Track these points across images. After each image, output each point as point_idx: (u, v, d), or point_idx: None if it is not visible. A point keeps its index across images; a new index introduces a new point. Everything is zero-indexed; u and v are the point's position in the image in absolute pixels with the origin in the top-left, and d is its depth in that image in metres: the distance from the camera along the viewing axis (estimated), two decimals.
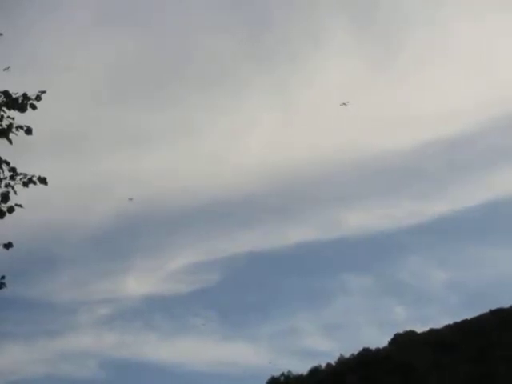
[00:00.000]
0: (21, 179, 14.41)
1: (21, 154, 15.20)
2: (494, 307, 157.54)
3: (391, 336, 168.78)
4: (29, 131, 14.47)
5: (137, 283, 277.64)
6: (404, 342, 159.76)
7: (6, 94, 14.23)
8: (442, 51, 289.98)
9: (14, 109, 14.30)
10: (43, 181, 14.55)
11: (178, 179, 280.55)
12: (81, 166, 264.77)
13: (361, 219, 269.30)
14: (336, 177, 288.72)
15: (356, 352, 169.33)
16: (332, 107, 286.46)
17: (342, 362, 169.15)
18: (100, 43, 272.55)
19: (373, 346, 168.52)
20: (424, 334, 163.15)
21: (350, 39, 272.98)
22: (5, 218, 14.51)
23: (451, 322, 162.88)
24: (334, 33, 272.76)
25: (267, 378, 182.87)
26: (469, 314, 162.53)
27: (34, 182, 14.50)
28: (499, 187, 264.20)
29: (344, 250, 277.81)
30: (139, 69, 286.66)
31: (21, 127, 14.42)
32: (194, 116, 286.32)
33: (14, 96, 14.28)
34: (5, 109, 14.29)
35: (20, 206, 14.54)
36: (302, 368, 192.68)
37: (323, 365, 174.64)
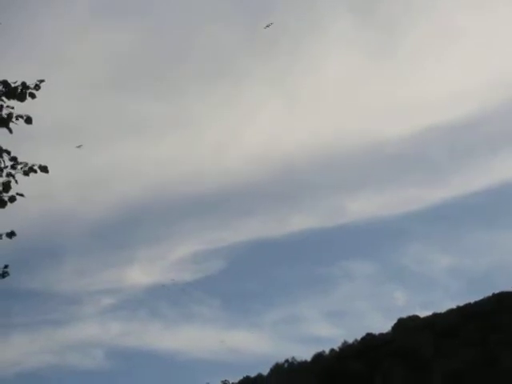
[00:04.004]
0: (22, 168, 14.43)
1: (21, 143, 15.24)
2: (497, 291, 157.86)
3: (394, 321, 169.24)
4: (29, 120, 14.48)
5: (141, 273, 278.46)
6: (407, 326, 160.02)
7: (4, 83, 14.24)
8: (443, 38, 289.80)
9: (13, 98, 14.32)
10: (44, 169, 14.57)
11: (180, 168, 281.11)
12: (83, 156, 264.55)
13: (363, 206, 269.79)
14: (338, 164, 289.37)
15: (359, 337, 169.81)
16: (333, 95, 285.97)
17: (346, 348, 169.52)
18: (100, 34, 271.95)
19: (376, 332, 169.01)
20: (427, 318, 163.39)
21: (351, 27, 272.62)
22: (6, 207, 14.54)
23: (454, 306, 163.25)
24: (335, 22, 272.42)
25: (271, 364, 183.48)
26: (472, 298, 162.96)
27: (35, 171, 14.52)
28: (501, 172, 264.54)
29: (346, 236, 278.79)
30: (140, 59, 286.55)
31: (20, 116, 14.44)
32: (196, 105, 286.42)
33: (12, 85, 14.29)
34: (4, 98, 14.31)
35: (22, 195, 14.56)
36: (305, 354, 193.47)
37: (327, 351, 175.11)
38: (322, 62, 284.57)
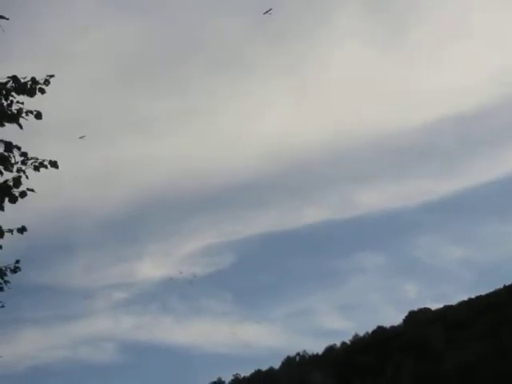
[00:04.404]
0: (32, 163, 14.46)
1: (31, 139, 15.27)
2: (508, 283, 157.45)
3: (406, 314, 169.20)
4: (38, 116, 14.50)
5: (152, 267, 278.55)
6: (419, 319, 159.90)
7: (14, 78, 14.25)
8: (454, 28, 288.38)
9: (22, 94, 14.34)
10: (54, 164, 14.60)
11: (191, 163, 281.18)
12: (93, 152, 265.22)
13: (374, 198, 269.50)
14: (349, 157, 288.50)
15: (371, 330, 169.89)
16: (344, 88, 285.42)
17: (357, 341, 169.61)
18: (106, 29, 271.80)
19: (387, 324, 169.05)
20: (438, 310, 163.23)
21: (361, 21, 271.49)
22: (17, 203, 14.58)
23: (465, 299, 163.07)
24: (344, 15, 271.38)
25: (283, 358, 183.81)
26: (483, 291, 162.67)
27: (46, 166, 14.55)
28: None
29: (358, 229, 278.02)
30: (147, 54, 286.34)
31: (30, 112, 14.45)
32: (207, 99, 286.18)
33: (22, 81, 14.30)
34: (14, 94, 14.32)
35: (32, 190, 14.60)
36: (317, 347, 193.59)
37: (338, 344, 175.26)
38: (332, 55, 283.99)
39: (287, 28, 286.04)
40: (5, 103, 14.27)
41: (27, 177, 14.42)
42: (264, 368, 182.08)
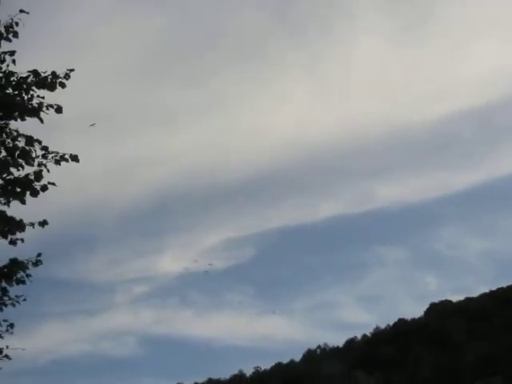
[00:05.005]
0: (53, 157, 14.52)
1: (51, 133, 15.31)
2: None
3: (427, 306, 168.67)
4: (59, 110, 14.53)
5: (172, 261, 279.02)
6: (440, 311, 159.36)
7: (34, 72, 14.29)
8: (471, 19, 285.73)
9: (43, 88, 14.36)
10: (75, 158, 14.64)
11: (210, 156, 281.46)
12: (113, 145, 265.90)
13: (393, 191, 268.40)
14: (367, 150, 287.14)
15: (392, 323, 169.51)
16: (362, 81, 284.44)
17: (378, 333, 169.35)
18: (129, 20, 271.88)
19: (408, 317, 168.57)
20: (459, 303, 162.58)
21: (382, 13, 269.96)
22: (38, 197, 14.65)
23: (487, 291, 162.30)
24: (365, 7, 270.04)
25: (303, 351, 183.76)
26: (504, 283, 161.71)
27: (66, 160, 14.60)
28: None
29: (377, 222, 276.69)
30: (170, 45, 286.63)
31: (51, 106, 14.49)
32: (225, 92, 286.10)
33: (42, 75, 14.33)
34: (34, 88, 14.36)
35: (53, 184, 14.65)
36: (337, 340, 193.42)
37: (359, 336, 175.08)
38: (351, 48, 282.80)
39: (306, 21, 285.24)
40: (25, 97, 14.32)
41: (48, 170, 14.47)
42: (285, 361, 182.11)
